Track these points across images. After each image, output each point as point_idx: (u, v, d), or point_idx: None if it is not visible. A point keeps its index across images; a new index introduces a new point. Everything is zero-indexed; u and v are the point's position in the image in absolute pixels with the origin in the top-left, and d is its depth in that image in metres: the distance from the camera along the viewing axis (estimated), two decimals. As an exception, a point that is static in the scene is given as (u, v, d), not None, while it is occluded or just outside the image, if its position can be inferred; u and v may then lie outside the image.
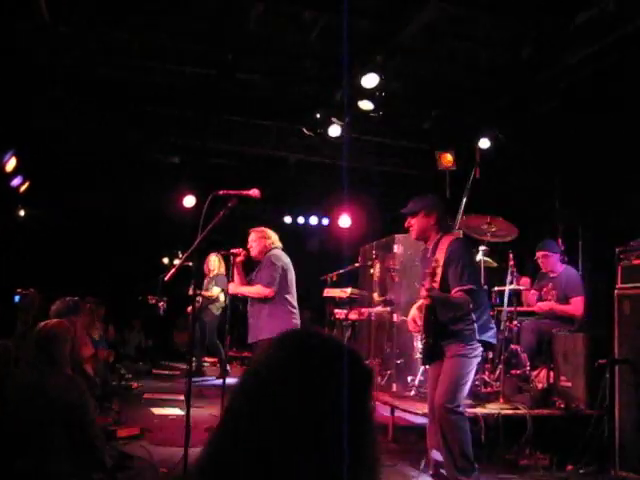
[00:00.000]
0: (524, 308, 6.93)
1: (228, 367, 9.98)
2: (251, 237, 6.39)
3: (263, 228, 6.47)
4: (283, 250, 6.42)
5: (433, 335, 4.51)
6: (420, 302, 4.93)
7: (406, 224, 4.75)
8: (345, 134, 8.31)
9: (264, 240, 6.31)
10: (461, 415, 4.45)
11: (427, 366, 5.05)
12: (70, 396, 3.71)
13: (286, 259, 6.30)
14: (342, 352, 1.19)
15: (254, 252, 6.31)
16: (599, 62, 6.42)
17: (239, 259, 6.26)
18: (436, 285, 4.39)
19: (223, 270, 9.77)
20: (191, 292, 9.93)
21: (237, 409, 1.15)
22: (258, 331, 6.05)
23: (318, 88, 8.15)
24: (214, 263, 9.83)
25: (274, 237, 6.41)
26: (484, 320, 4.57)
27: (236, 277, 6.34)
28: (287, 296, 6.18)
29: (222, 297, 9.88)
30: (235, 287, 6.24)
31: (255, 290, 6.15)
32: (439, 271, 4.40)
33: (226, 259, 6.44)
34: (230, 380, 6.41)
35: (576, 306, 6.45)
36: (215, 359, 10.51)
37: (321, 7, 6.41)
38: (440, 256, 4.49)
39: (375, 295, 8.15)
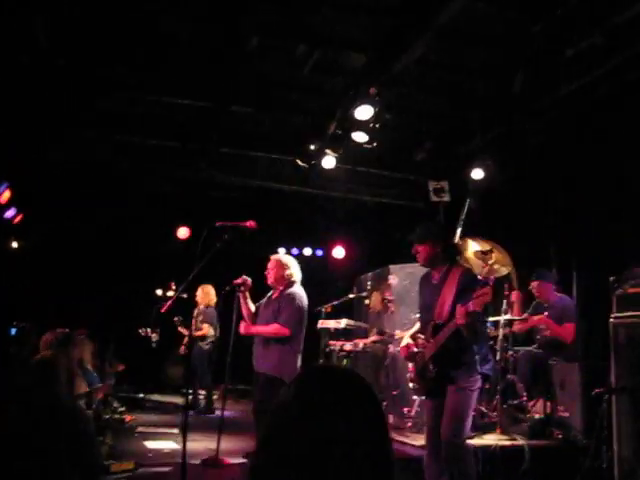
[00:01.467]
0: (515, 321, 6.87)
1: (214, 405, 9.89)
2: (270, 264, 6.11)
3: (282, 256, 6.33)
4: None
5: (440, 365, 4.49)
6: (413, 330, 4.94)
7: (413, 251, 4.74)
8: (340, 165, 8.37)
9: (283, 269, 6.03)
10: (468, 449, 4.44)
11: (424, 398, 5.01)
12: (76, 424, 3.66)
13: (306, 299, 6.05)
14: (365, 387, 1.24)
15: (272, 279, 6.05)
16: (589, 94, 6.51)
17: (244, 289, 6.08)
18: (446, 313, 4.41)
19: (212, 301, 9.72)
20: (182, 330, 9.92)
21: (272, 445, 1.17)
22: (262, 363, 5.96)
23: (312, 120, 8.22)
24: (202, 295, 9.78)
25: (294, 268, 6.12)
26: (484, 352, 4.58)
27: (243, 307, 6.13)
28: (298, 338, 5.97)
29: (211, 331, 9.83)
30: (247, 328, 5.95)
31: (272, 330, 5.85)
32: (452, 297, 4.43)
33: (231, 294, 6.23)
34: (227, 413, 6.37)
35: (567, 331, 6.48)
36: (204, 392, 10.34)
37: (315, 41, 6.50)
38: (452, 286, 4.51)
39: (374, 330, 8.16)
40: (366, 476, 1.12)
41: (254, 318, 6.13)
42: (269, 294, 6.18)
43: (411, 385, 4.89)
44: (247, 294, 6.11)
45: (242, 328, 5.98)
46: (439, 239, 4.72)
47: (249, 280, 6.04)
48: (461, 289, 4.46)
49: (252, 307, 6.13)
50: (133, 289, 11.70)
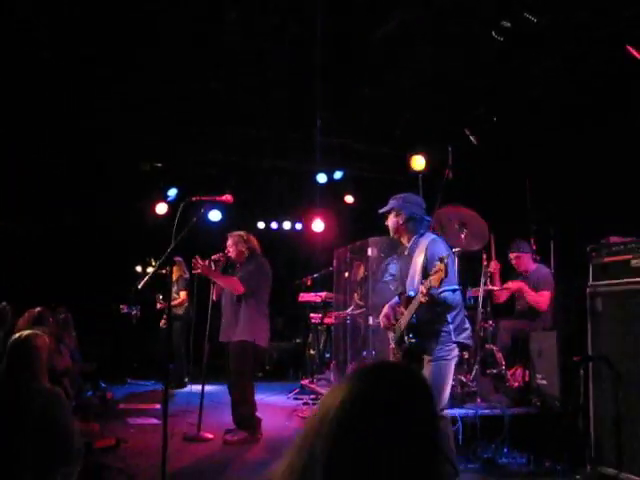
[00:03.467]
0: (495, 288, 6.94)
1: (187, 378, 9.92)
2: (229, 240, 6.46)
3: (244, 232, 6.54)
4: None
5: (414, 335, 4.50)
6: (393, 301, 4.94)
7: (389, 221, 4.73)
8: (317, 138, 8.33)
9: (245, 244, 6.40)
10: (445, 419, 4.47)
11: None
12: (52, 409, 3.64)
13: (267, 266, 6.42)
14: (421, 384, 1.24)
15: (233, 254, 6.38)
16: (568, 70, 6.53)
17: (218, 266, 6.35)
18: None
19: (184, 274, 9.70)
20: (159, 306, 9.91)
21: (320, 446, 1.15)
22: (231, 332, 6.14)
23: (289, 94, 8.16)
24: (176, 268, 9.74)
25: (254, 241, 6.50)
26: (459, 321, 4.56)
27: (216, 287, 6.46)
28: (262, 299, 6.33)
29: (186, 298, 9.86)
30: (206, 268, 6.17)
31: (229, 281, 6.23)
32: (419, 269, 4.44)
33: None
34: (208, 388, 6.40)
35: (543, 298, 6.54)
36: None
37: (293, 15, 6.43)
38: (420, 257, 4.51)
39: (355, 296, 8.19)
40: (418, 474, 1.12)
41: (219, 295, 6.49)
42: (230, 271, 6.37)
43: (391, 356, 4.91)
44: (219, 271, 6.38)
45: (201, 269, 6.14)
46: (401, 210, 4.66)
47: (223, 256, 6.37)
48: (429, 260, 4.46)
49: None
50: (112, 266, 11.62)
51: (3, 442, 3.52)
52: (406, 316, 4.52)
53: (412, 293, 4.50)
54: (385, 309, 4.93)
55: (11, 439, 3.52)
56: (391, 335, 4.84)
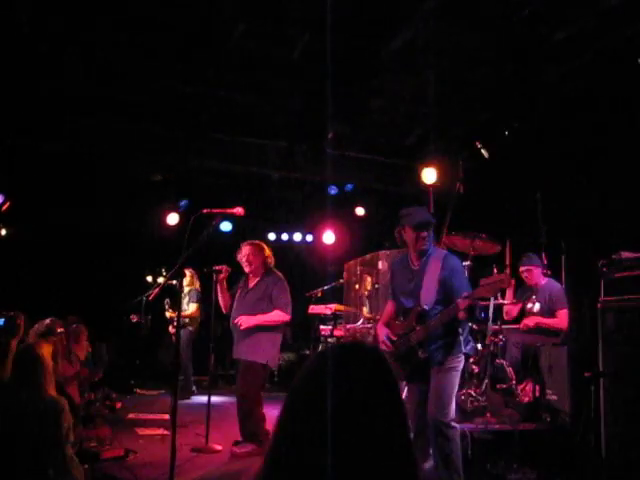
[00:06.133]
0: (511, 326, 6.94)
1: (194, 388, 9.92)
2: (246, 250, 6.21)
3: (261, 243, 6.35)
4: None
5: (429, 349, 4.49)
6: (384, 318, 4.93)
7: (423, 235, 4.61)
8: (328, 150, 8.34)
9: (262, 254, 6.19)
10: (455, 429, 4.46)
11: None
12: (45, 418, 3.66)
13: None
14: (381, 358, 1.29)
15: (252, 266, 6.16)
16: (579, 78, 6.51)
17: (222, 276, 6.20)
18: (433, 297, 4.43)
19: (196, 286, 9.72)
20: (169, 314, 9.93)
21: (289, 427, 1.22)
22: (244, 349, 6.04)
23: (301, 104, 8.18)
24: (186, 279, 9.77)
25: (269, 251, 6.29)
26: (467, 332, 4.61)
27: (220, 294, 6.31)
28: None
29: (197, 312, 9.85)
30: (248, 319, 5.94)
31: (275, 317, 5.97)
32: (436, 284, 4.44)
33: (208, 277, 6.32)
34: (216, 399, 6.39)
35: (562, 319, 6.50)
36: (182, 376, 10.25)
37: (304, 26, 6.45)
38: (435, 270, 4.50)
39: (364, 309, 8.17)
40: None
41: (230, 308, 6.27)
42: (240, 283, 6.24)
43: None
44: (224, 283, 6.24)
45: (242, 322, 5.96)
46: (434, 225, 4.73)
47: (227, 269, 6.19)
48: (447, 274, 4.47)
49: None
50: (123, 276, 11.67)
51: (6, 447, 3.56)
52: (420, 331, 4.49)
53: (427, 307, 4.50)
54: (382, 331, 4.86)
55: (13, 445, 3.55)
56: (388, 353, 4.77)
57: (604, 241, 5.78)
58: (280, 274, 6.21)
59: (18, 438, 3.59)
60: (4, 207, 9.69)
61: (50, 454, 3.67)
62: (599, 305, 5.02)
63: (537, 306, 6.69)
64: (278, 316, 5.97)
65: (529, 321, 6.70)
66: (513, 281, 7.00)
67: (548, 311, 6.62)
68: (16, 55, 6.71)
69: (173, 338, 9.81)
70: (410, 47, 6.58)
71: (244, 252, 6.20)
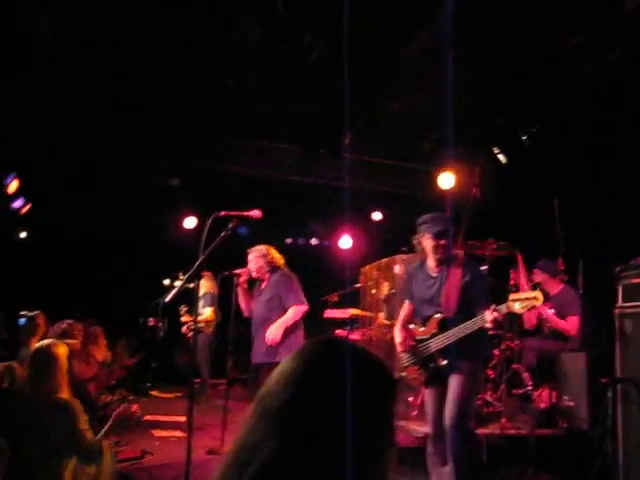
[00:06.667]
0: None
1: (208, 392, 9.94)
2: (249, 259, 6.31)
3: (262, 246, 6.38)
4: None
5: (449, 356, 4.51)
6: (400, 323, 4.94)
7: (442, 242, 4.64)
8: (346, 154, 8.35)
9: (263, 258, 6.23)
10: (473, 432, 4.48)
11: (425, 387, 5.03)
12: (56, 420, 3.70)
13: (294, 274, 6.27)
14: (369, 359, 1.26)
15: (256, 272, 6.23)
16: (594, 83, 6.48)
17: (242, 279, 6.24)
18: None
19: (212, 289, 9.72)
20: (185, 318, 9.96)
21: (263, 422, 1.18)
22: (264, 352, 6.00)
23: (317, 110, 8.20)
24: (203, 283, 9.79)
25: (275, 254, 6.30)
26: (485, 337, 4.62)
27: (241, 298, 6.34)
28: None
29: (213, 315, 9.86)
30: (275, 333, 5.88)
31: (293, 314, 5.96)
32: (459, 292, 4.45)
33: (230, 280, 6.34)
34: (232, 402, 6.42)
35: (571, 324, 6.47)
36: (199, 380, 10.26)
37: (319, 32, 6.47)
38: (456, 277, 4.51)
39: (381, 315, 8.16)
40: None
41: (250, 311, 6.30)
42: (256, 288, 6.29)
43: (403, 375, 4.87)
44: (245, 286, 6.26)
45: (271, 338, 5.90)
46: (453, 232, 4.75)
47: (247, 272, 6.21)
48: (468, 280, 4.48)
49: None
50: (141, 279, 11.75)
51: (22, 448, 3.61)
52: (442, 339, 4.51)
53: (448, 315, 4.52)
54: (400, 333, 4.89)
55: (30, 445, 3.60)
56: (406, 357, 4.80)
57: (621, 246, 5.76)
58: (286, 270, 6.25)
59: (33, 438, 3.64)
60: (24, 210, 9.80)
61: (63, 455, 3.71)
62: (616, 311, 5.00)
63: (551, 312, 6.66)
64: (295, 312, 5.95)
65: (546, 314, 6.66)
66: (529, 284, 6.99)
67: (561, 317, 6.59)
68: (36, 58, 6.78)
69: (190, 341, 9.86)
70: (427, 52, 6.58)
71: (248, 258, 6.31)
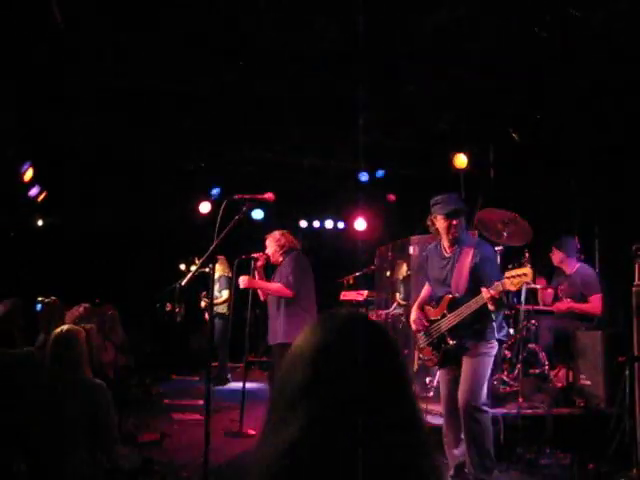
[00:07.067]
0: (541, 307, 6.91)
1: (229, 375, 10.00)
2: (267, 242, 6.39)
3: (278, 232, 6.44)
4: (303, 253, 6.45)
5: (458, 336, 4.51)
6: (419, 302, 4.95)
7: (454, 222, 4.61)
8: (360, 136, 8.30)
9: (276, 243, 6.30)
10: (486, 413, 4.48)
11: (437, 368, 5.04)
12: (88, 399, 3.74)
13: (306, 262, 6.31)
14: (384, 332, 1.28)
15: (272, 257, 6.31)
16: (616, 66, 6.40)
17: (260, 263, 6.27)
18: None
19: (226, 272, 9.75)
20: (204, 303, 10.02)
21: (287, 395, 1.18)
22: (276, 333, 6.09)
23: (331, 92, 8.15)
24: (219, 265, 9.83)
25: (288, 238, 6.38)
26: (500, 319, 4.61)
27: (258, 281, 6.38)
28: (307, 298, 6.17)
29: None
30: (250, 282, 6.18)
31: (275, 287, 6.14)
32: (467, 272, 4.45)
33: (247, 264, 6.39)
34: (250, 385, 6.46)
35: (595, 304, 6.42)
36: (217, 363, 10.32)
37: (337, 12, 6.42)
38: (467, 258, 4.51)
39: (397, 295, 8.18)
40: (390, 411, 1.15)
41: (266, 294, 6.37)
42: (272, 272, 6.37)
43: (420, 356, 4.89)
44: (262, 270, 6.29)
45: (243, 282, 6.16)
46: (465, 212, 4.73)
47: (264, 256, 6.27)
48: (478, 262, 4.48)
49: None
50: (157, 265, 11.82)
51: (50, 430, 3.65)
52: (451, 318, 4.52)
53: (457, 295, 4.52)
54: (415, 312, 4.91)
55: (57, 427, 3.64)
56: (422, 337, 4.82)
57: (637, 225, 5.71)
58: (295, 253, 6.28)
59: (64, 419, 3.67)
60: (40, 198, 9.87)
61: (97, 435, 3.76)
62: (633, 289, 4.97)
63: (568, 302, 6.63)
64: (277, 287, 6.09)
65: (562, 305, 6.64)
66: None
67: (580, 296, 6.54)
68: (53, 49, 6.79)
69: (208, 325, 9.93)
70: (442, 31, 6.51)
71: (266, 243, 6.39)
